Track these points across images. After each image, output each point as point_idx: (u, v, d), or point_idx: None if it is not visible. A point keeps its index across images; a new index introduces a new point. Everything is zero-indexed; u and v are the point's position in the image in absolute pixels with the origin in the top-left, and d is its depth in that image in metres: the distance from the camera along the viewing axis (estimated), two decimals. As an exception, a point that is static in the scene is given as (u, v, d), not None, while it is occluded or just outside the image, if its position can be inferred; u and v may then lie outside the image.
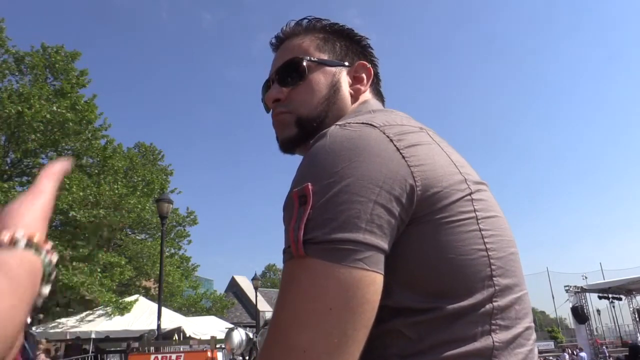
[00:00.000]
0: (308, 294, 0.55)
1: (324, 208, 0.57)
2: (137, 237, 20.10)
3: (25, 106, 13.97)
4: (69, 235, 14.84)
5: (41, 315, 17.16)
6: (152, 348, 10.72)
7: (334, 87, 0.84)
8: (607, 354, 20.04)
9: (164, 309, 12.43)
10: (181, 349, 11.70)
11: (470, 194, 0.65)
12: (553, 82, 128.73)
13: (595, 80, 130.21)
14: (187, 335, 13.34)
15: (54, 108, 14.63)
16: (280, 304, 0.57)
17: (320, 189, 0.58)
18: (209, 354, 8.98)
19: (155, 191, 18.12)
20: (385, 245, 0.58)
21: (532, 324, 0.68)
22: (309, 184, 0.59)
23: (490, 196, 0.71)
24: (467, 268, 0.61)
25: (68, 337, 13.38)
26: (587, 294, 19.95)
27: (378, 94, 0.92)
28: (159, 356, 9.08)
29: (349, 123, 0.66)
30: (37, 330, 13.78)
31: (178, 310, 18.71)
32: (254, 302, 28.76)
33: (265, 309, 32.36)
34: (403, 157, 0.62)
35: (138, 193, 16.98)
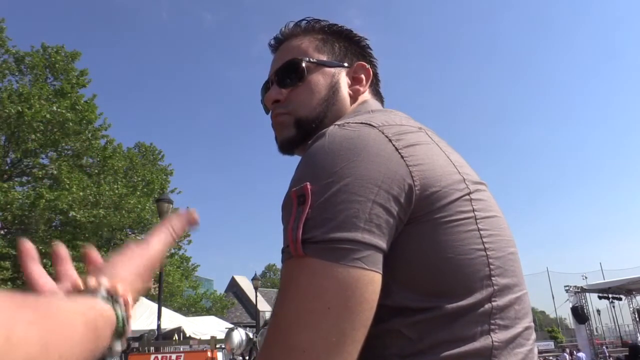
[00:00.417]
0: (307, 293, 0.55)
1: (322, 207, 0.57)
2: (137, 237, 20.08)
3: (25, 106, 13.96)
4: (69, 235, 14.83)
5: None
6: (152, 348, 10.71)
7: (333, 88, 0.84)
8: (607, 354, 20.05)
9: (164, 309, 12.43)
10: (181, 349, 11.70)
11: (468, 194, 0.65)
12: (554, 81, 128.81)
13: (595, 80, 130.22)
14: (187, 335, 13.34)
15: (54, 108, 14.63)
16: (279, 304, 0.57)
17: (319, 189, 0.58)
18: (209, 354, 8.98)
19: (155, 191, 18.11)
20: (383, 244, 0.58)
21: (532, 324, 0.68)
22: (308, 183, 0.59)
23: (489, 196, 0.71)
24: (466, 268, 0.61)
25: (68, 337, 13.37)
26: (587, 294, 19.94)
27: (377, 95, 0.93)
28: (159, 356, 9.08)
29: (347, 123, 0.66)
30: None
31: (178, 310, 18.72)
32: (254, 302, 28.77)
33: (265, 309, 32.35)
34: (402, 157, 0.62)
35: (138, 193, 16.97)
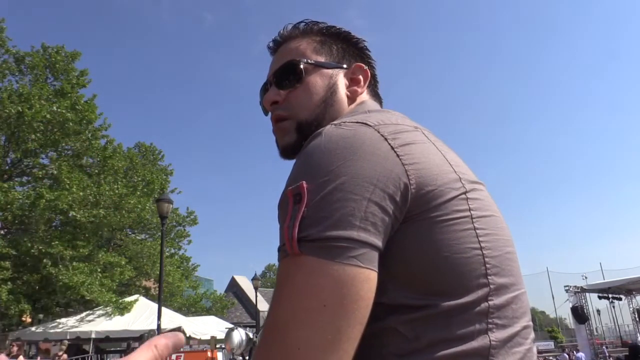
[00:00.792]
0: (302, 291, 0.55)
1: (318, 206, 0.57)
2: (137, 237, 20.09)
3: (26, 106, 13.96)
4: (69, 235, 14.82)
5: (41, 315, 17.17)
6: (152, 348, 10.70)
7: (331, 89, 0.85)
8: (607, 354, 20.04)
9: (164, 309, 12.42)
10: (181, 349, 11.71)
11: (465, 193, 0.66)
12: (558, 82, 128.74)
13: (599, 81, 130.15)
14: (187, 335, 13.32)
15: (54, 108, 14.63)
16: (275, 302, 0.58)
17: (314, 188, 0.59)
18: (209, 354, 8.98)
19: (155, 191, 18.10)
20: (379, 242, 0.58)
21: (530, 323, 0.68)
22: (304, 182, 0.59)
23: (486, 195, 0.71)
24: (461, 266, 0.61)
25: (68, 337, 13.37)
26: (587, 294, 19.94)
27: (375, 96, 0.93)
28: (159, 356, 9.06)
29: (344, 122, 0.67)
30: (37, 330, 13.78)
31: (178, 310, 18.69)
32: (254, 302, 28.75)
33: (265, 309, 32.31)
34: (397, 156, 0.62)
35: (138, 193, 16.96)
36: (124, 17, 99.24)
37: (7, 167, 15.88)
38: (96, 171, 16.78)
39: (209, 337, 10.92)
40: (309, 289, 0.55)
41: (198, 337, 12.55)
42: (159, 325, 10.97)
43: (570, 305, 19.45)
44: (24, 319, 16.34)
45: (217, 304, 24.52)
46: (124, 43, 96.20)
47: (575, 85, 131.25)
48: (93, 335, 13.23)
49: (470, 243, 0.63)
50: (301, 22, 0.91)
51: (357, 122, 0.66)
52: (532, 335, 0.68)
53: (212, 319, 19.13)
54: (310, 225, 0.56)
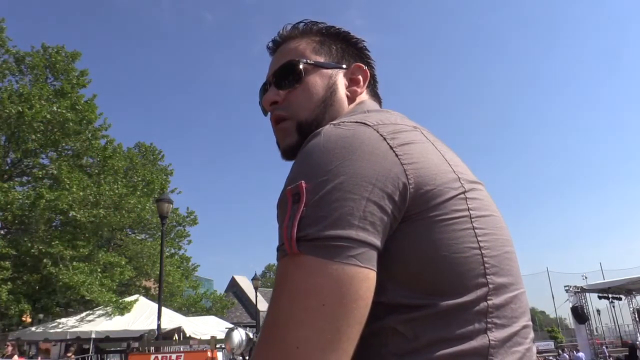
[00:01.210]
0: (301, 290, 0.55)
1: (317, 205, 0.57)
2: (137, 237, 20.08)
3: (26, 106, 13.96)
4: (69, 235, 14.82)
5: (41, 315, 17.18)
6: (152, 348, 10.72)
7: (331, 89, 0.85)
8: (607, 354, 20.03)
9: (164, 309, 12.42)
10: (181, 349, 11.71)
11: (463, 193, 0.66)
12: (561, 85, 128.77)
13: (603, 85, 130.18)
14: (187, 335, 13.32)
15: (54, 108, 14.62)
16: (274, 301, 0.58)
17: (313, 187, 0.59)
18: (209, 354, 8.98)
19: (155, 191, 18.09)
20: (377, 242, 0.58)
21: (530, 323, 0.68)
22: (303, 181, 0.60)
23: (485, 195, 0.71)
24: (460, 266, 0.62)
25: (68, 337, 13.37)
26: (587, 294, 19.94)
27: (375, 96, 0.93)
28: (159, 356, 9.08)
29: (342, 122, 0.67)
30: (37, 330, 13.78)
31: (178, 310, 18.69)
32: (254, 302, 28.76)
33: (265, 308, 32.26)
34: (396, 155, 0.62)
35: (138, 193, 16.95)
36: (124, 17, 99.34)
37: (7, 167, 15.88)
38: (96, 171, 16.77)
39: (209, 337, 10.91)
40: (308, 288, 0.55)
41: (198, 337, 12.53)
42: (159, 325, 10.96)
43: (570, 305, 19.45)
44: (24, 319, 16.34)
45: (217, 304, 24.51)
46: (124, 43, 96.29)
47: (576, 86, 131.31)
48: (93, 335, 13.23)
49: (469, 242, 0.63)
50: (300, 22, 0.91)
51: (356, 122, 0.66)
52: (532, 334, 0.68)
53: (212, 319, 19.12)
54: (309, 224, 0.56)
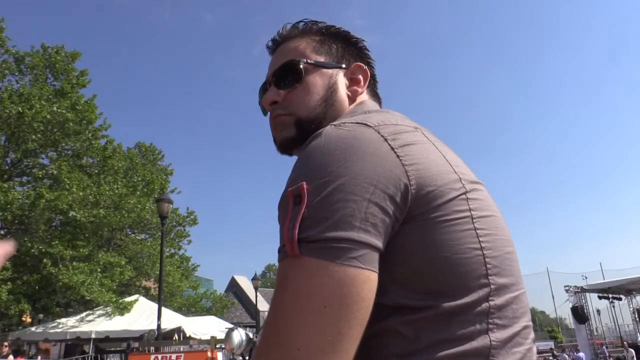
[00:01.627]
0: (302, 292, 0.55)
1: (318, 207, 0.57)
2: (137, 237, 20.08)
3: (26, 106, 13.96)
4: (69, 235, 14.83)
5: (41, 315, 17.18)
6: (152, 348, 10.73)
7: (331, 89, 0.85)
8: (607, 354, 20.04)
9: (164, 309, 12.42)
10: (181, 349, 11.71)
11: (465, 193, 0.66)
12: (558, 83, 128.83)
13: (601, 83, 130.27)
14: (187, 335, 13.33)
15: (54, 108, 14.63)
16: (275, 302, 0.57)
17: (314, 188, 0.58)
18: (209, 354, 8.99)
19: (155, 191, 18.09)
20: (379, 243, 0.58)
21: (530, 323, 0.68)
22: (304, 183, 0.59)
23: (486, 195, 0.71)
24: (462, 267, 0.61)
25: (68, 337, 13.38)
26: (587, 294, 19.94)
27: (375, 95, 0.93)
28: (159, 356, 9.09)
29: (343, 123, 0.67)
30: (37, 330, 13.79)
31: (178, 310, 18.69)
32: (254, 302, 28.76)
33: (265, 309, 32.32)
34: (397, 156, 0.62)
35: (138, 193, 16.96)
36: (125, 17, 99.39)
37: (7, 167, 15.89)
38: (96, 171, 16.78)
39: (209, 337, 10.92)
40: (309, 289, 0.55)
41: (198, 337, 12.55)
42: (159, 325, 10.96)
43: (570, 305, 19.46)
44: (24, 319, 16.35)
45: (217, 304, 24.53)
46: (124, 43, 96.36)
47: (576, 86, 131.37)
48: (93, 335, 13.24)
49: (470, 243, 0.63)
50: (300, 21, 0.91)
51: (357, 123, 0.66)
52: (532, 335, 0.68)
53: (212, 319, 19.14)
54: (310, 226, 0.56)
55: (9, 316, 14.93)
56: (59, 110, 14.68)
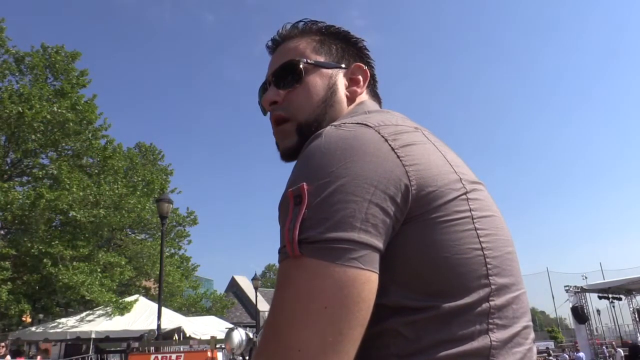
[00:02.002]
0: (303, 293, 0.55)
1: (318, 208, 0.57)
2: (137, 237, 20.09)
3: (26, 106, 13.96)
4: (69, 235, 14.82)
5: (41, 315, 17.17)
6: (152, 348, 10.72)
7: (331, 89, 0.84)
8: (607, 354, 20.02)
9: (164, 309, 12.42)
10: (181, 349, 11.70)
11: (465, 193, 0.66)
12: (557, 82, 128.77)
13: (600, 81, 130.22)
14: (187, 335, 13.32)
15: (54, 108, 14.63)
16: (275, 303, 0.57)
17: (315, 189, 0.58)
18: (209, 354, 8.99)
19: (155, 191, 18.10)
20: (380, 244, 0.58)
21: (530, 323, 0.68)
22: (304, 183, 0.59)
23: (486, 196, 0.71)
24: (462, 267, 0.61)
25: (68, 337, 13.37)
26: (587, 294, 19.91)
27: (375, 96, 0.93)
28: (159, 356, 9.08)
29: (344, 123, 0.66)
30: (37, 330, 13.78)
31: (178, 310, 18.69)
32: (254, 302, 28.76)
33: (265, 309, 32.31)
34: (398, 157, 0.62)
35: (138, 193, 16.96)
36: (125, 17, 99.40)
37: (7, 167, 15.88)
38: (96, 171, 16.78)
39: (209, 337, 10.92)
40: (309, 290, 0.55)
41: (198, 337, 12.54)
42: (159, 325, 10.96)
43: (570, 305, 19.43)
44: (24, 319, 16.34)
45: (217, 304, 24.53)
46: (125, 43, 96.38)
47: (576, 84, 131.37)
48: (93, 335, 13.23)
49: (471, 243, 0.63)
50: (300, 21, 0.90)
51: (357, 123, 0.66)
52: (532, 335, 0.68)
53: (212, 319, 19.13)
54: (310, 227, 0.56)
55: (9, 316, 14.92)
56: (59, 110, 14.68)
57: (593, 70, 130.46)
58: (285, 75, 0.85)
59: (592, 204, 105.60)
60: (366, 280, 0.56)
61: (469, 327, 0.60)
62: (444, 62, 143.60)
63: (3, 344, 11.85)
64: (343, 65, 0.88)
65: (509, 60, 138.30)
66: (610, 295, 20.91)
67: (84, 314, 14.77)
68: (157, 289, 13.28)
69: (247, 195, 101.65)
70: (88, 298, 14.26)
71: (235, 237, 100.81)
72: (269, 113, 0.88)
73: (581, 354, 18.12)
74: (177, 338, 13.04)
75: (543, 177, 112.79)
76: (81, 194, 14.29)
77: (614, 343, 18.48)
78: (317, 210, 0.57)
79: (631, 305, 22.85)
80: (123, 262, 16.36)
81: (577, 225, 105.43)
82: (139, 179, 18.52)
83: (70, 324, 13.83)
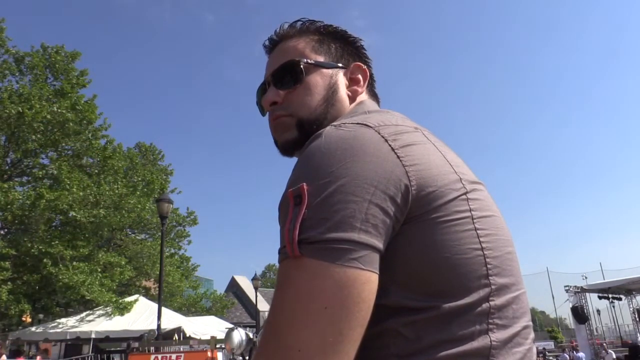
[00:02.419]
0: (303, 293, 0.55)
1: (318, 208, 0.57)
2: (137, 237, 20.09)
3: (26, 106, 13.96)
4: (69, 235, 14.82)
5: (41, 315, 17.17)
6: (152, 348, 10.72)
7: (332, 89, 0.84)
8: (614, 355, 19.99)
9: (164, 309, 12.42)
10: (181, 349, 11.70)
11: (465, 194, 0.66)
12: (557, 82, 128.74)
13: (600, 81, 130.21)
14: (187, 335, 13.32)
15: (54, 108, 14.63)
16: (275, 303, 0.57)
17: (315, 189, 0.58)
18: (209, 354, 8.99)
19: (155, 191, 18.10)
20: (380, 244, 0.58)
21: (530, 323, 0.68)
22: (304, 184, 0.59)
23: (486, 195, 0.71)
24: (463, 267, 0.61)
25: (68, 337, 13.37)
26: (587, 294, 19.91)
27: (374, 95, 0.93)
28: (159, 356, 9.09)
29: (344, 123, 0.66)
30: (37, 330, 13.78)
31: (178, 310, 18.69)
32: (254, 302, 28.76)
33: (265, 309, 32.31)
34: (398, 157, 0.62)
35: (138, 193, 16.96)
36: (125, 17, 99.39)
37: (7, 167, 15.88)
38: (96, 171, 16.78)
39: (209, 337, 10.92)
40: (309, 291, 0.55)
41: (198, 337, 12.54)
42: (159, 325, 10.96)
43: (570, 305, 19.43)
44: (24, 319, 16.34)
45: (217, 304, 24.53)
46: (125, 43, 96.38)
47: (576, 84, 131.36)
48: (93, 335, 13.24)
49: (471, 244, 0.63)
50: (297, 20, 0.90)
51: (357, 124, 0.66)
52: (532, 335, 0.68)
53: (212, 319, 19.13)
54: (310, 227, 0.56)
55: (9, 316, 14.92)
56: (59, 110, 14.68)
57: (593, 70, 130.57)
58: (285, 75, 0.84)
59: (592, 204, 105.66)
60: (366, 281, 0.56)
61: (469, 327, 0.60)
62: (444, 62, 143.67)
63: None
64: (343, 65, 0.87)
65: (509, 61, 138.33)
66: (610, 295, 20.91)
67: (84, 314, 14.77)
68: (157, 289, 13.28)
69: (247, 195, 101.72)
70: (88, 298, 14.26)
71: (235, 237, 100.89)
72: (267, 113, 0.88)
73: (581, 354, 18.11)
74: (177, 338, 13.04)
75: (543, 177, 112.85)
76: (81, 194, 14.29)
77: (604, 344, 18.45)
78: (317, 211, 0.57)
79: (631, 305, 22.85)
80: (123, 262, 16.36)
81: (577, 225, 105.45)
82: (139, 179, 18.52)
83: (70, 324, 13.83)
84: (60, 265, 13.78)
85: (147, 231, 20.37)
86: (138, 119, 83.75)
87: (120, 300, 14.64)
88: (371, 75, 0.92)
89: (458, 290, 0.61)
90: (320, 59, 0.86)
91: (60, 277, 13.51)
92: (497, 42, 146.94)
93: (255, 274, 25.75)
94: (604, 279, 26.30)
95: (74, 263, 14.17)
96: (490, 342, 0.60)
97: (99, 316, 14.31)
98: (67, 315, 15.62)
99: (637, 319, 22.02)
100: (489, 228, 0.66)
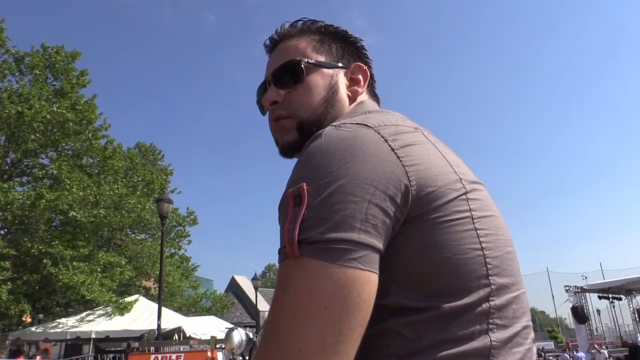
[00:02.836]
0: (303, 293, 0.55)
1: (318, 208, 0.57)
2: (137, 237, 20.09)
3: (26, 106, 13.96)
4: (69, 235, 14.82)
5: (41, 315, 17.17)
6: (152, 348, 10.72)
7: (333, 89, 0.84)
8: (607, 354, 20.00)
9: (164, 309, 12.42)
10: (181, 349, 11.71)
11: (465, 194, 0.66)
12: (557, 82, 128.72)
13: (600, 81, 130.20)
14: (187, 335, 13.32)
15: (54, 108, 14.63)
16: (275, 304, 0.57)
17: (315, 189, 0.58)
18: (209, 354, 8.99)
19: (155, 191, 18.09)
20: (380, 244, 0.58)
21: (530, 323, 0.68)
22: (304, 184, 0.59)
23: (486, 195, 0.71)
24: (463, 267, 0.61)
25: (68, 337, 13.37)
26: (587, 294, 19.92)
27: (374, 95, 0.93)
28: (159, 356, 9.09)
29: (344, 124, 0.66)
30: (37, 330, 13.78)
31: (178, 310, 18.69)
32: (254, 302, 28.76)
33: (265, 309, 32.31)
34: (397, 157, 0.62)
35: (138, 193, 16.96)
36: (125, 17, 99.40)
37: (7, 167, 15.88)
38: (96, 171, 16.78)
39: (209, 337, 10.92)
40: (309, 291, 0.55)
41: (198, 337, 12.54)
42: (159, 325, 10.96)
43: (570, 305, 19.44)
44: (24, 319, 16.34)
45: (217, 304, 24.54)
46: (125, 43, 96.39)
47: (576, 84, 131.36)
48: (93, 335, 13.24)
49: (471, 244, 0.63)
50: (298, 20, 0.90)
51: (357, 124, 0.66)
52: (532, 335, 0.68)
53: (212, 319, 19.13)
54: (310, 227, 0.56)
55: (9, 316, 14.93)
56: (58, 110, 14.68)
57: (593, 70, 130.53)
58: (286, 74, 0.84)
59: (592, 204, 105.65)
60: (366, 281, 0.56)
61: (469, 327, 0.60)
62: (444, 62, 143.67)
63: None
64: (343, 65, 0.87)
65: (509, 61, 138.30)
66: (610, 295, 20.92)
67: (84, 314, 14.77)
68: (157, 289, 13.28)
69: (247, 195, 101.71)
70: (88, 298, 14.26)
71: (235, 237, 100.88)
72: (267, 113, 0.88)
73: (581, 354, 18.11)
74: (177, 338, 13.05)
75: (543, 177, 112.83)
76: (81, 194, 14.29)
77: (596, 345, 18.45)
78: (316, 211, 0.57)
79: (631, 305, 22.86)
80: (123, 262, 16.36)
81: (577, 225, 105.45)
82: (139, 179, 18.51)
83: (70, 324, 13.83)
84: (60, 265, 13.78)
85: (147, 231, 20.37)
86: (138, 119, 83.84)
87: (120, 300, 14.64)
88: (371, 75, 0.92)
89: (458, 290, 0.61)
90: (321, 59, 0.86)
91: (60, 277, 13.51)
92: (497, 42, 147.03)
93: (255, 274, 25.75)
94: (604, 279, 26.31)
95: (74, 263, 14.17)
96: (490, 342, 0.60)
97: (99, 316, 14.31)
98: (67, 315, 15.62)
99: (637, 319, 22.02)
100: (489, 228, 0.66)
